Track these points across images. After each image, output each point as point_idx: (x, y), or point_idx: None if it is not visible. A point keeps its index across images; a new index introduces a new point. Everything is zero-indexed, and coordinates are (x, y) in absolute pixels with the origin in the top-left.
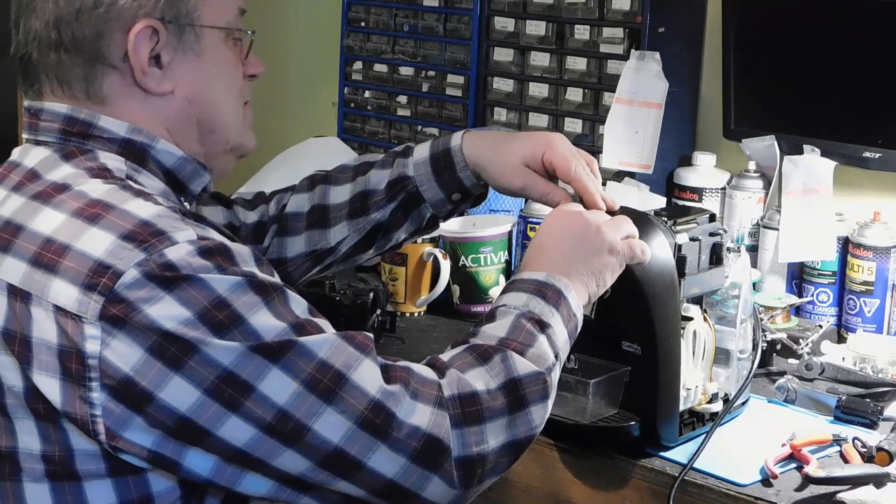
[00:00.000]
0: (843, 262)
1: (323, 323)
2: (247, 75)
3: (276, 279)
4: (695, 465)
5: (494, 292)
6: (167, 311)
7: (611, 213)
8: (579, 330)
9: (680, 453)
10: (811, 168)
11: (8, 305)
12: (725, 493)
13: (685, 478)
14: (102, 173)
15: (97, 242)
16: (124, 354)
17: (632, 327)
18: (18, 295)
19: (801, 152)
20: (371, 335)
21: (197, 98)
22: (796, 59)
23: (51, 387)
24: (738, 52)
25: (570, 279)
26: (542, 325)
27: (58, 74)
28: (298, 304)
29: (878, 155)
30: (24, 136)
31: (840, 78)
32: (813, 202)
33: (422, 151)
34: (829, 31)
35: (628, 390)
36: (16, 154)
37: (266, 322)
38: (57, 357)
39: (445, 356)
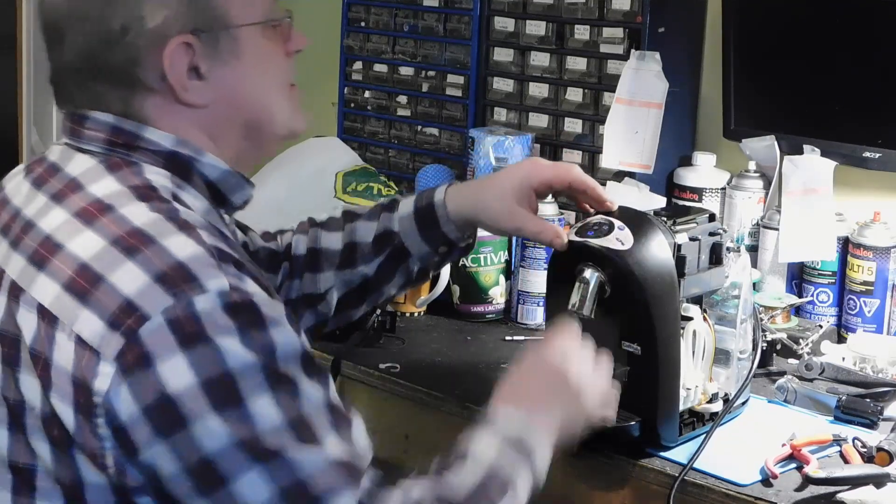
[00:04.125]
0: (843, 262)
1: (331, 423)
2: (290, 53)
3: (298, 350)
4: (695, 465)
5: (494, 292)
6: (175, 372)
7: (609, 213)
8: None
9: (680, 453)
10: (811, 168)
11: (37, 325)
12: (725, 493)
13: (685, 478)
14: (148, 193)
15: (130, 279)
16: (125, 403)
17: (632, 327)
18: (46, 317)
19: (801, 152)
20: (369, 457)
21: (241, 100)
22: (796, 60)
23: (67, 414)
24: (738, 52)
25: (544, 433)
26: (506, 487)
27: (98, 104)
28: (310, 395)
29: (878, 155)
30: (65, 139)
31: (840, 78)
32: (813, 202)
33: (406, 206)
34: (829, 32)
35: (628, 390)
36: (55, 155)
37: (266, 413)
38: (72, 385)
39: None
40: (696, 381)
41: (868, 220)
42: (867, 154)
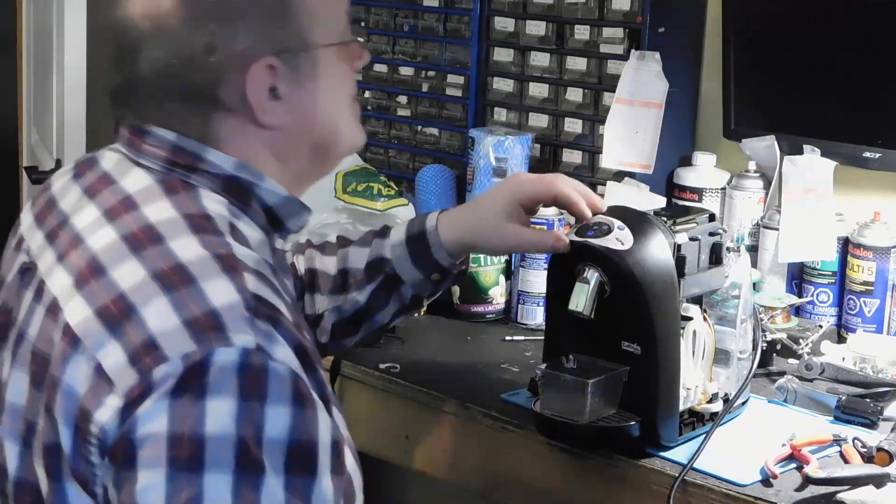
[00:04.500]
0: (843, 262)
1: None
2: (355, 70)
3: (287, 440)
4: (695, 465)
5: (494, 292)
6: (150, 416)
7: (596, 213)
8: None
9: (680, 453)
10: (811, 168)
11: (58, 345)
12: (725, 493)
13: (685, 478)
14: (202, 224)
15: (161, 317)
16: (113, 436)
17: (631, 327)
18: (68, 335)
19: (801, 152)
20: None
21: (314, 121)
22: (796, 60)
23: (65, 435)
24: (738, 52)
25: None
26: None
27: (171, 122)
28: (273, 493)
29: (878, 155)
30: (122, 148)
31: (840, 78)
32: (813, 202)
33: (398, 233)
34: (829, 32)
35: (628, 390)
36: (109, 164)
37: (217, 494)
38: (78, 409)
39: None
40: (696, 381)
41: (868, 220)
42: (867, 154)
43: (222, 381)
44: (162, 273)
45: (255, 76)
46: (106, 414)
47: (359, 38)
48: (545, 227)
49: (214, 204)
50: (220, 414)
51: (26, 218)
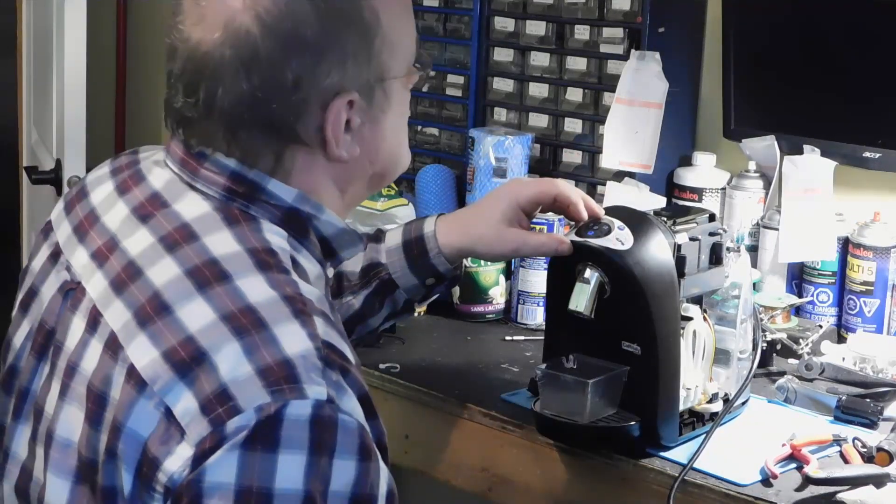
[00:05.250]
0: (843, 262)
1: None
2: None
3: (350, 492)
4: (695, 465)
5: (494, 292)
6: (220, 467)
7: (595, 221)
8: None
9: (680, 453)
10: (811, 168)
11: (122, 387)
12: (725, 493)
13: (685, 478)
14: (267, 261)
15: (234, 365)
16: (185, 486)
17: (631, 327)
18: (133, 378)
19: (801, 152)
20: None
21: (378, 152)
22: (796, 60)
23: (126, 479)
24: (738, 52)
25: None
26: None
27: (240, 152)
28: None
29: (878, 155)
30: (172, 166)
31: (840, 78)
32: (813, 202)
33: (394, 237)
34: (829, 32)
35: (628, 390)
36: (158, 182)
37: None
38: (141, 452)
39: None
40: (696, 381)
41: (868, 220)
42: (867, 154)
43: (294, 434)
44: (232, 315)
45: (335, 111)
46: (176, 463)
47: (427, 66)
48: (545, 228)
49: (275, 237)
50: (290, 468)
51: (62, 225)
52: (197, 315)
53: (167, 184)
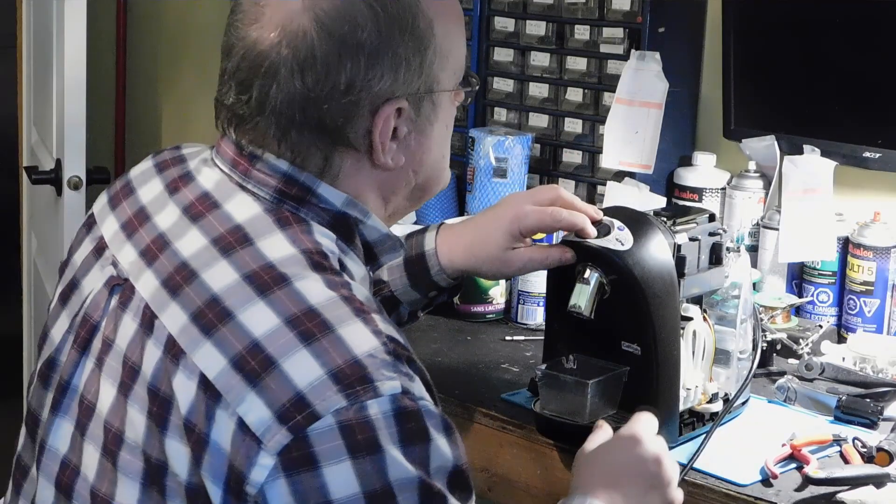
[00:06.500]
0: (843, 262)
1: None
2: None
3: (449, 465)
4: (695, 465)
5: (494, 292)
6: (341, 480)
7: (595, 222)
8: None
9: (680, 453)
10: (811, 168)
11: (195, 396)
12: (725, 493)
13: (685, 478)
14: (321, 262)
15: (305, 370)
16: (282, 499)
17: (631, 327)
18: (210, 391)
19: (801, 152)
20: None
21: (422, 165)
22: (796, 60)
23: (215, 492)
24: (738, 52)
25: None
26: None
27: (291, 152)
28: None
29: (878, 155)
30: (222, 166)
31: (840, 78)
32: (813, 202)
33: None
34: (829, 32)
35: (628, 390)
36: (208, 183)
37: None
38: (227, 466)
39: None
40: (696, 381)
41: (868, 220)
42: (867, 154)
43: (386, 431)
44: (296, 320)
45: (384, 117)
46: (262, 473)
47: (475, 86)
48: (545, 236)
49: (325, 239)
50: (396, 461)
51: (107, 220)
52: (261, 320)
53: (217, 184)
